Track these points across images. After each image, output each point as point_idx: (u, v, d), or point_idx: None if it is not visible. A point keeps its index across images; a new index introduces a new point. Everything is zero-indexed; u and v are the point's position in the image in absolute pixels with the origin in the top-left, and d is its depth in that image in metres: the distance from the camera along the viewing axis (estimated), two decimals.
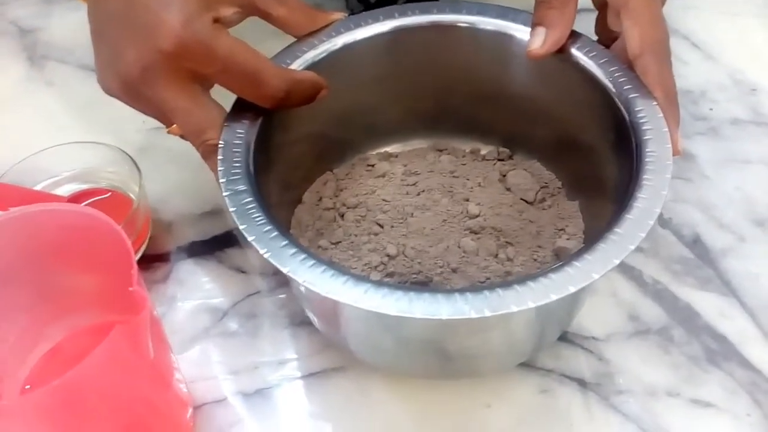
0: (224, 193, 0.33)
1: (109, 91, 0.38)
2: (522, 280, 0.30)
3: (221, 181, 0.34)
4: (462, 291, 0.30)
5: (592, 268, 0.30)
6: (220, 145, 0.35)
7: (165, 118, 0.37)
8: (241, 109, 0.37)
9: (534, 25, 0.39)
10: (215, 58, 0.34)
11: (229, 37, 0.35)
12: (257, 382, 0.40)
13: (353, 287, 0.30)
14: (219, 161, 0.35)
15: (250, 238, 0.32)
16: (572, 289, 0.30)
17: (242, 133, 0.36)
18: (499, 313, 0.29)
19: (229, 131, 0.36)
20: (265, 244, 0.32)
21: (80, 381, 0.27)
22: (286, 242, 0.32)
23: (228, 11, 0.36)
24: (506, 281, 0.30)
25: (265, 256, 0.31)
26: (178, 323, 0.42)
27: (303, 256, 0.31)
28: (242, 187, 0.34)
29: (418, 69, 0.42)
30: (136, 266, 0.28)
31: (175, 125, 0.37)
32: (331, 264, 0.31)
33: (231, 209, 0.33)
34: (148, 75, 0.34)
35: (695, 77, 0.53)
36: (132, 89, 0.36)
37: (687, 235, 0.45)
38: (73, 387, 0.27)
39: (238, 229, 0.32)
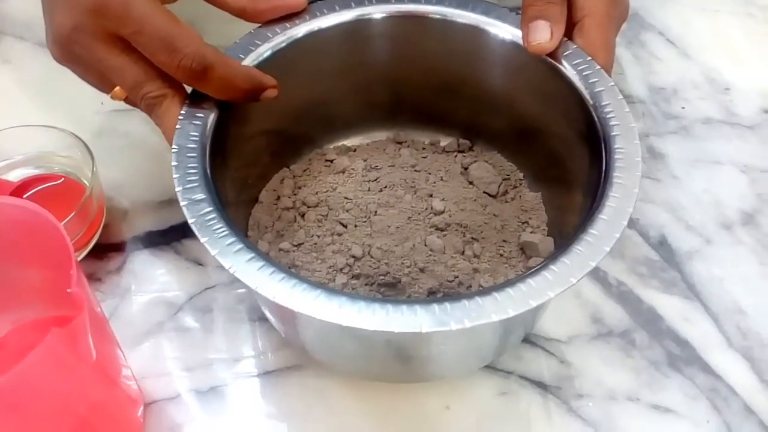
0: (182, 203, 0.32)
1: (55, 58, 0.38)
2: (500, 286, 0.30)
3: (177, 189, 0.33)
4: (440, 301, 0.29)
5: (570, 272, 0.30)
6: (173, 150, 0.34)
7: (105, 79, 0.36)
8: (193, 108, 0.35)
9: (532, 19, 0.38)
10: (131, 18, 0.34)
11: (150, 1, 0.34)
12: (211, 379, 0.39)
13: (327, 302, 0.29)
14: (173, 167, 0.33)
15: (213, 252, 0.30)
16: (551, 295, 0.29)
17: (196, 136, 0.35)
18: (480, 323, 0.28)
19: (182, 134, 0.35)
20: (230, 258, 0.30)
21: (16, 385, 0.26)
22: (252, 255, 0.31)
23: None
24: (485, 289, 0.30)
25: (231, 271, 0.30)
26: (131, 316, 0.41)
27: (271, 269, 0.30)
28: (200, 196, 0.32)
29: (376, 60, 0.41)
30: (76, 266, 0.27)
31: (117, 88, 0.36)
32: (300, 276, 0.30)
33: (190, 221, 0.31)
34: (77, 34, 0.35)
35: (669, 74, 0.52)
36: (67, 50, 0.36)
37: (653, 236, 0.44)
38: (8, 392, 0.26)
39: None
